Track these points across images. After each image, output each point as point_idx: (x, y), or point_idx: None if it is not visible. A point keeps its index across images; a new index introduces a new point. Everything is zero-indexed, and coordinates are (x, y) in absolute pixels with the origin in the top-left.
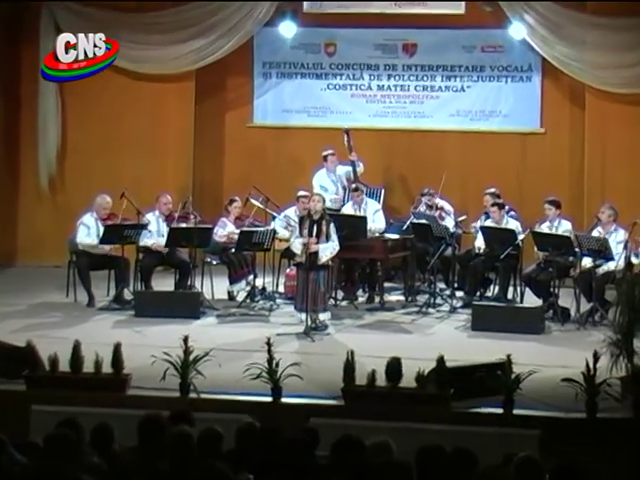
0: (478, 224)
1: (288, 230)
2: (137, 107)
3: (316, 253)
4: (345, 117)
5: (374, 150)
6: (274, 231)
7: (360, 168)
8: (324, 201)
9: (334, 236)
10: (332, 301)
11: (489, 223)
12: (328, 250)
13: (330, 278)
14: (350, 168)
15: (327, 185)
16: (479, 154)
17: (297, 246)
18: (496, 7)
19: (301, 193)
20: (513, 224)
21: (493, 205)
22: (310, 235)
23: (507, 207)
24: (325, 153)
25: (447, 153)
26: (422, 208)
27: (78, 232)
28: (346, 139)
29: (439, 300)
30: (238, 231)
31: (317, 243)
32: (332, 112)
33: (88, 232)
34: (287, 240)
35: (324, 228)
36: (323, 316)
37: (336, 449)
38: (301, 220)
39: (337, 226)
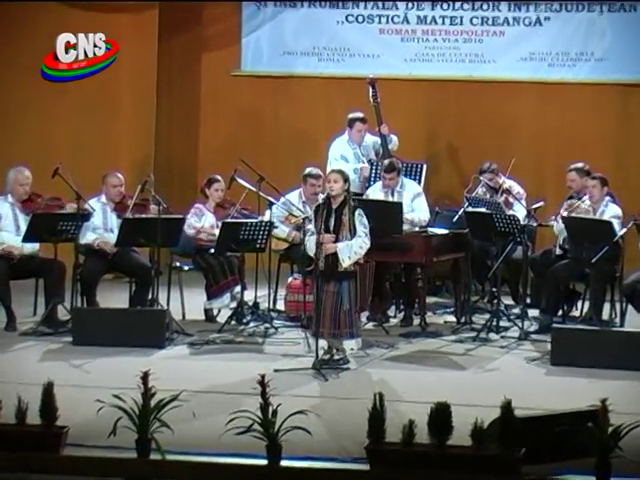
0: (561, 215)
1: (288, 223)
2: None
3: (335, 255)
4: (371, 62)
5: (412, 109)
6: (270, 224)
7: (393, 144)
8: (347, 180)
9: (361, 229)
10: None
11: (584, 207)
12: (351, 249)
13: (356, 288)
14: (379, 139)
15: (349, 156)
16: (561, 114)
17: (312, 247)
18: None
19: (309, 171)
20: (612, 210)
21: (594, 179)
22: (327, 229)
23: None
24: (352, 116)
25: (516, 113)
26: (481, 191)
27: None
28: (371, 93)
29: (504, 322)
30: (219, 224)
31: (336, 240)
32: (352, 55)
33: (0, 224)
34: (285, 240)
35: (345, 219)
36: (349, 344)
37: None
38: (317, 210)
39: None
